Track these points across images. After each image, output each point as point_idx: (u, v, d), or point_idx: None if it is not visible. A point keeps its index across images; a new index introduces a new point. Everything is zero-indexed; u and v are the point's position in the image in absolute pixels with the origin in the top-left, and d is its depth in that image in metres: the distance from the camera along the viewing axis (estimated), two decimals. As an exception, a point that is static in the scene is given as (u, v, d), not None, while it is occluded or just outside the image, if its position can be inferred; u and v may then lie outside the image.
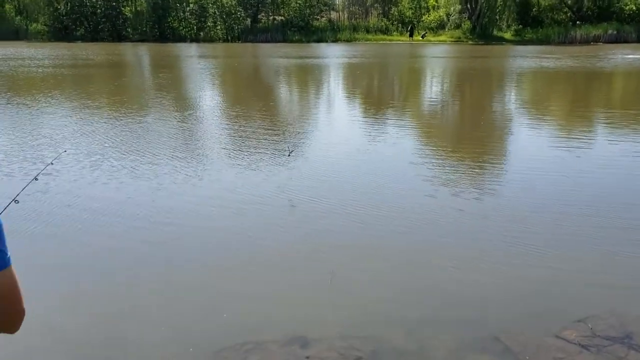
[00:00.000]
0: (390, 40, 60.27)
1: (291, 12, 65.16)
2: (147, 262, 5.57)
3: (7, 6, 68.65)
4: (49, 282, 5.06)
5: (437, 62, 34.11)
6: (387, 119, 14.19)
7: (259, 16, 66.50)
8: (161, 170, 8.68)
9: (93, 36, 61.05)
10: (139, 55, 40.97)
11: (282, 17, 66.55)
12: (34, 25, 64.62)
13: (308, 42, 58.39)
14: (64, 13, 63.18)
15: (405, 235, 6.21)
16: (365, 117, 14.58)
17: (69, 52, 40.97)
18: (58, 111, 14.89)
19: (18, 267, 1.57)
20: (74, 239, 6.12)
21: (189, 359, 4.00)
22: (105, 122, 13.01)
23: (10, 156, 9.49)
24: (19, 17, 66.57)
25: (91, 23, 62.53)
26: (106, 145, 10.45)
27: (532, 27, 56.22)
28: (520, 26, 57.11)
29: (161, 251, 5.79)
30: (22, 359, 3.99)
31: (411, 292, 5.02)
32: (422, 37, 59.05)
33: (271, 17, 67.01)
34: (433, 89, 21.98)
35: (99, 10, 62.53)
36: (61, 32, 61.90)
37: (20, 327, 1.60)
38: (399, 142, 11.11)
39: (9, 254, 1.54)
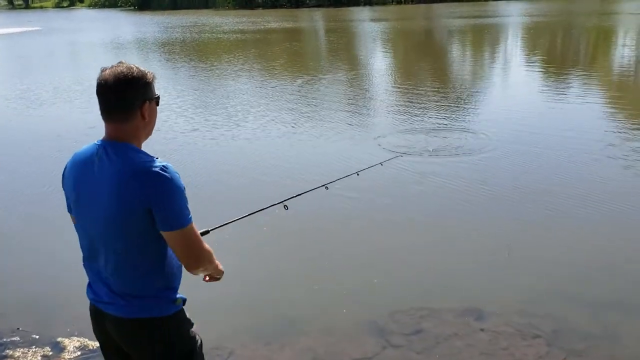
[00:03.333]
0: (576, -4, 55.19)
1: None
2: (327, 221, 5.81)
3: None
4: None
5: (633, 20, 30.64)
6: (569, 87, 13.14)
7: (434, -24, 64.53)
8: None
9: (273, 3, 63.73)
10: (314, 19, 42.15)
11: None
12: (221, -7, 69.21)
13: (486, 0, 55.68)
14: (247, -19, 66.65)
15: (592, 213, 5.78)
16: (545, 86, 13.64)
17: (249, 19, 43.37)
18: (229, 73, 15.96)
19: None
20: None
21: (363, 316, 4.15)
22: (265, 82, 13.70)
23: (191, 112, 10.42)
24: (208, -13, 71.77)
25: (271, -10, 65.29)
26: (268, 104, 11.02)
27: None
28: None
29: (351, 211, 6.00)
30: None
31: (598, 273, 4.68)
32: (616, -9, 53.18)
33: (446, -24, 64.71)
34: (625, 52, 19.81)
35: (278, -23, 65.06)
36: (245, 0, 65.41)
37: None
38: (581, 117, 10.29)
39: (190, 213, 2.06)
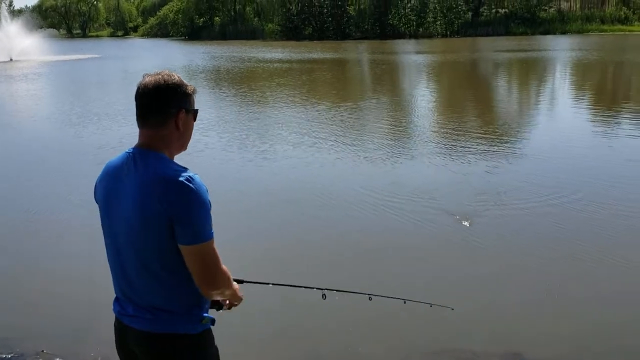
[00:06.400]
0: (629, 31, 54.30)
1: (516, 4, 62.46)
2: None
3: (247, 9, 76.50)
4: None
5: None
6: (622, 127, 12.77)
7: (481, 9, 64.74)
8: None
9: (319, 35, 64.56)
10: (359, 51, 42.47)
11: (506, 10, 64.02)
12: (269, 25, 70.61)
13: (533, 34, 55.15)
14: (295, 13, 67.93)
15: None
16: (595, 124, 13.31)
17: (296, 49, 43.99)
18: (271, 101, 16.15)
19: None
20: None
21: (398, 358, 4.06)
22: (308, 111, 13.78)
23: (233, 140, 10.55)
24: (256, 19, 73.41)
25: (318, 22, 66.24)
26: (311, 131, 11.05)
27: None
28: None
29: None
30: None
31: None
32: (671, 26, 51.91)
33: (494, 10, 64.91)
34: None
35: (325, 10, 66.01)
36: (291, 32, 66.60)
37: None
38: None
39: (212, 230, 2.01)
